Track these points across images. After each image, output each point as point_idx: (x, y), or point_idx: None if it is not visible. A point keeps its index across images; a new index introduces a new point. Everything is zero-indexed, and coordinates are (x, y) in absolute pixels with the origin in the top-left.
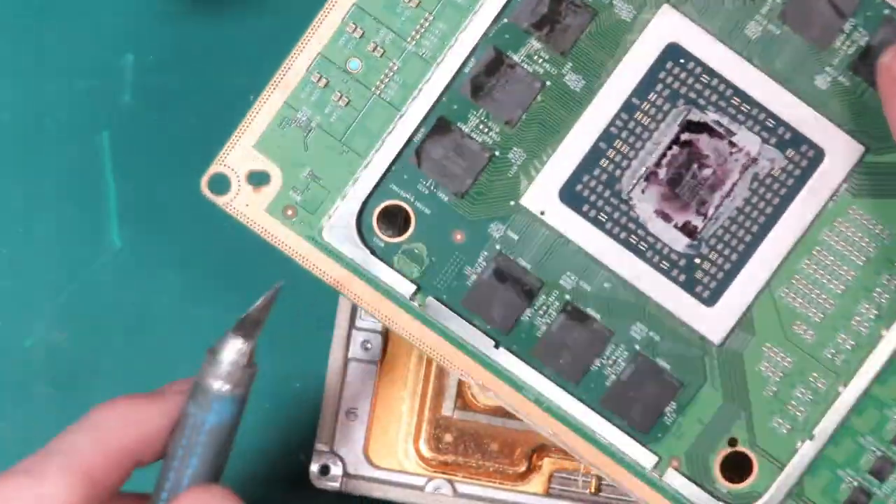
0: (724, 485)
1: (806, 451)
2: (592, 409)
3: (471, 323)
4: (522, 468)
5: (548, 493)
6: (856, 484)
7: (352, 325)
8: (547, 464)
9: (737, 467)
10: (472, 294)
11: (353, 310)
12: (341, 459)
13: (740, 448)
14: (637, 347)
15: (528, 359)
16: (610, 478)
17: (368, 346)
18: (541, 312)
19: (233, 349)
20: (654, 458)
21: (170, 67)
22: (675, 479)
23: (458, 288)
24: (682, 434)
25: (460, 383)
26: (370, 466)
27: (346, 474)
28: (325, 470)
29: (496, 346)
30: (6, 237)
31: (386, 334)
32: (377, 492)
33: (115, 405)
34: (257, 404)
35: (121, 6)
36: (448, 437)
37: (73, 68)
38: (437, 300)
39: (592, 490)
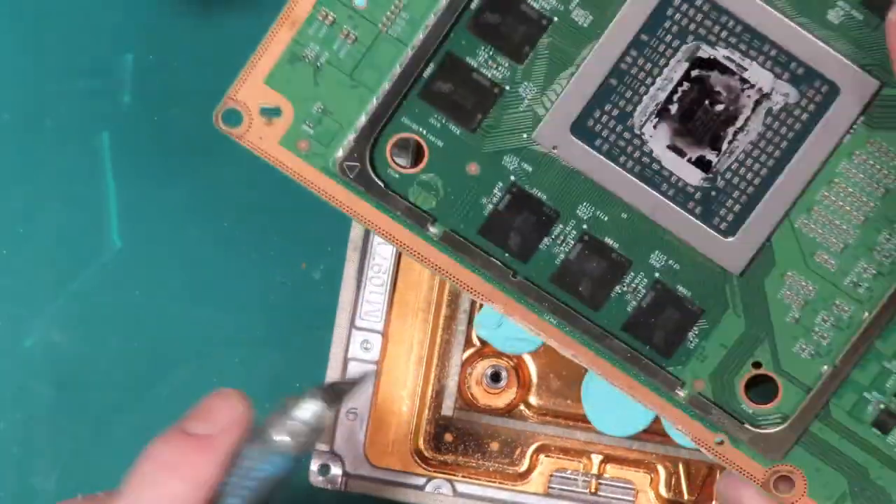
0: (749, 406)
1: (832, 375)
2: (614, 335)
3: (487, 253)
4: (522, 468)
5: (547, 493)
6: (882, 406)
7: (352, 324)
8: (546, 463)
9: (761, 392)
10: (489, 223)
11: (353, 309)
12: (341, 459)
13: (764, 371)
14: (656, 276)
15: (547, 286)
16: (633, 395)
17: (368, 345)
18: (558, 241)
19: (309, 410)
20: (678, 383)
21: (170, 67)
22: (698, 403)
23: (475, 218)
24: (705, 357)
25: (460, 383)
26: (370, 466)
27: (346, 474)
28: (325, 469)
29: (513, 276)
30: (6, 237)
31: (386, 334)
32: (377, 491)
33: (166, 458)
34: (257, 404)
35: (121, 6)
36: (448, 437)
37: (73, 68)
38: (454, 231)
39: (592, 490)
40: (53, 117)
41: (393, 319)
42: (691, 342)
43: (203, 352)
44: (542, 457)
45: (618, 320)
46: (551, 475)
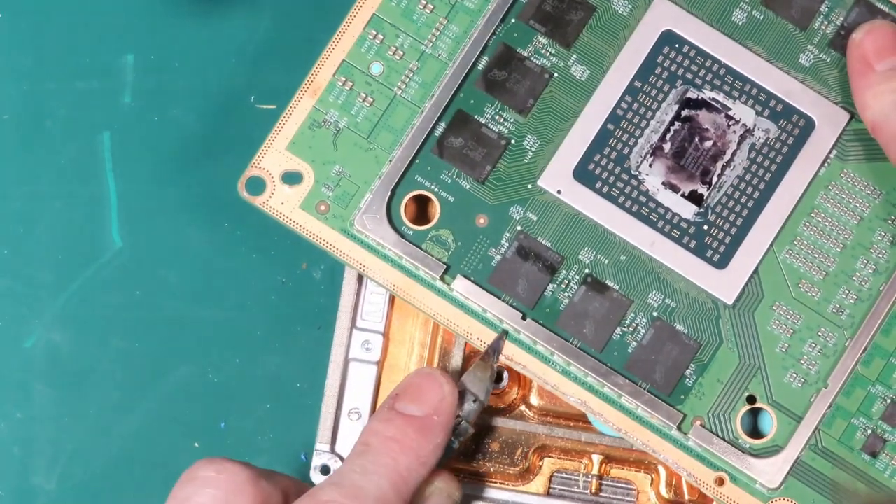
0: (746, 441)
1: (820, 402)
2: (618, 373)
3: (499, 298)
4: (523, 468)
5: (548, 494)
6: (870, 431)
7: (352, 325)
8: (547, 464)
9: (755, 421)
10: (498, 273)
11: (354, 310)
12: (341, 459)
13: (759, 405)
14: (655, 314)
15: (554, 330)
16: (637, 441)
17: (369, 346)
18: (563, 286)
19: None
20: (679, 417)
21: (170, 67)
22: (699, 438)
23: (484, 269)
24: (703, 394)
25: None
26: None
27: None
28: (325, 470)
29: (523, 318)
30: (6, 237)
31: (386, 334)
32: None
33: (391, 434)
34: (259, 405)
35: (121, 6)
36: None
37: (73, 68)
38: (465, 277)
39: (593, 490)
40: (53, 117)
41: (394, 320)
42: (689, 379)
43: (203, 352)
44: (543, 457)
45: (620, 360)
46: (552, 475)
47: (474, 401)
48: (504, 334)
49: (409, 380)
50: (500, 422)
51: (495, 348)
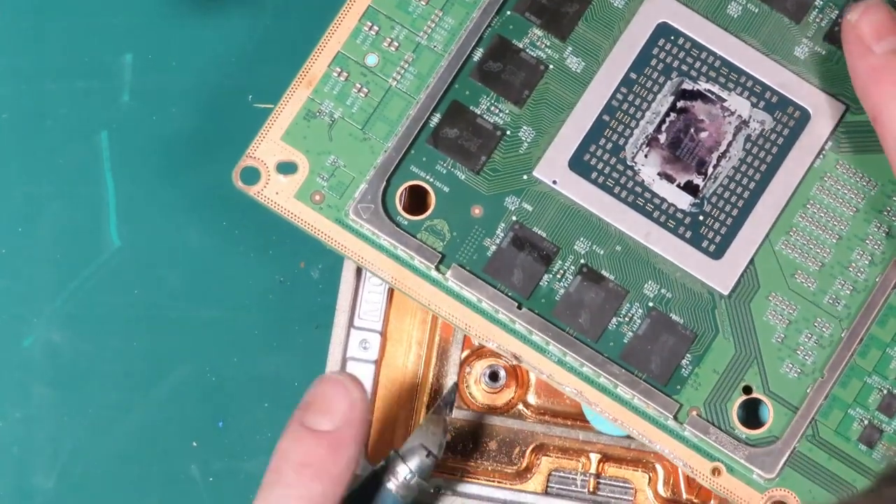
0: (742, 431)
1: (817, 393)
2: (614, 363)
3: (494, 287)
4: (520, 467)
5: (546, 492)
6: (866, 421)
7: (350, 324)
8: (545, 463)
9: (752, 413)
10: (493, 262)
11: (352, 309)
12: None
13: (755, 395)
14: (651, 304)
15: (550, 319)
16: (633, 431)
17: (367, 345)
18: (558, 276)
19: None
20: (675, 407)
21: (168, 67)
22: (695, 428)
23: (479, 259)
24: (699, 384)
25: (458, 383)
26: (370, 465)
27: None
28: None
29: (518, 308)
30: (6, 237)
31: (384, 333)
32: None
33: (300, 459)
34: (257, 404)
35: (121, 6)
36: (447, 437)
37: (73, 68)
38: (460, 267)
39: (590, 489)
40: (53, 117)
41: (391, 319)
42: (685, 369)
43: (202, 352)
44: (540, 456)
45: (616, 350)
46: (550, 474)
47: (427, 455)
48: (455, 388)
49: (315, 389)
50: (498, 421)
51: (447, 401)
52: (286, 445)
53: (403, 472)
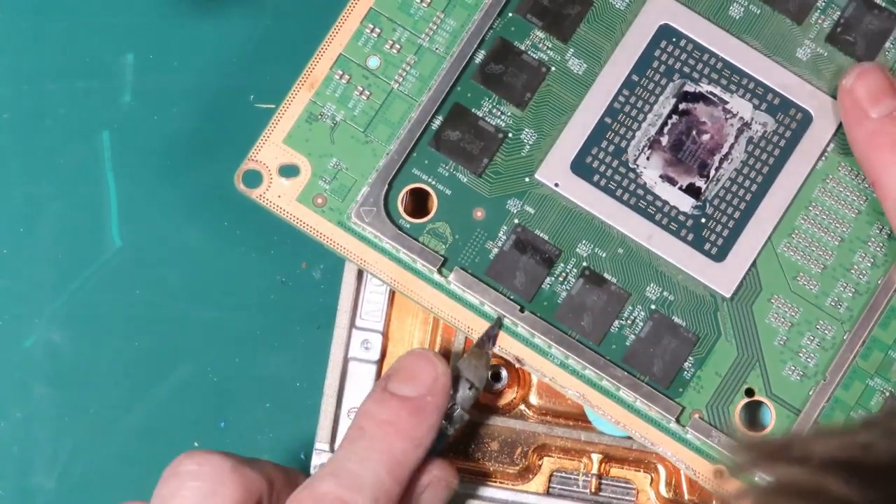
0: (744, 434)
1: (819, 395)
2: (616, 366)
3: (496, 290)
4: (522, 468)
5: (548, 493)
6: None
7: (352, 324)
8: (547, 463)
9: (753, 414)
10: (495, 265)
11: (354, 309)
12: None
13: (757, 397)
14: (653, 307)
15: (552, 322)
16: (635, 433)
17: (368, 345)
18: (560, 279)
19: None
20: (677, 410)
21: (170, 67)
22: (697, 431)
23: (482, 262)
24: (701, 387)
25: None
26: None
27: None
28: None
29: (521, 311)
30: (6, 237)
31: (386, 334)
32: None
33: (384, 417)
34: (259, 404)
35: (121, 6)
36: (489, 371)
37: (73, 68)
38: (463, 270)
39: (592, 490)
40: (53, 117)
41: (393, 319)
42: (688, 371)
43: (203, 352)
44: (542, 456)
45: (618, 353)
46: (551, 475)
47: (469, 388)
48: (499, 321)
49: (402, 360)
50: (500, 421)
51: (490, 335)
52: (369, 406)
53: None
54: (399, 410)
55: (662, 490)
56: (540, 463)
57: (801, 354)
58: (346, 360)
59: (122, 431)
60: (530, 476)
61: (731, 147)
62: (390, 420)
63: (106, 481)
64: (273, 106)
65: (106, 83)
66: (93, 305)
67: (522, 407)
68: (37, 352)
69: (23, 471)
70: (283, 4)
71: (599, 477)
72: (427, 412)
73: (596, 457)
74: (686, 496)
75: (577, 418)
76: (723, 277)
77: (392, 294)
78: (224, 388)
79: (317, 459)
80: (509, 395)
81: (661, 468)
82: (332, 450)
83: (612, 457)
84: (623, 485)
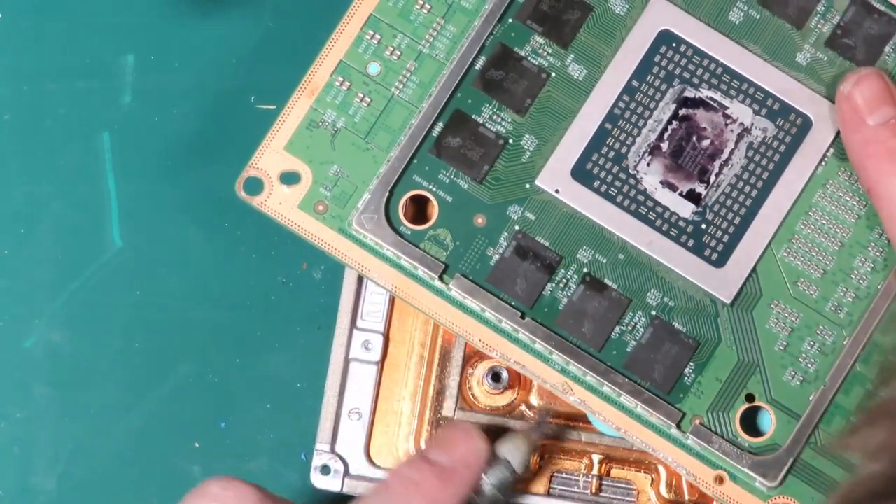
0: (745, 439)
1: (819, 400)
2: (617, 372)
3: (497, 297)
4: None
5: (548, 494)
6: None
7: (353, 325)
8: (548, 464)
9: (754, 420)
10: (496, 272)
11: (355, 310)
12: (342, 459)
13: (758, 403)
14: (653, 313)
15: (553, 329)
16: (636, 439)
17: (369, 346)
18: (561, 285)
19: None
20: (678, 416)
21: (170, 67)
22: (698, 437)
23: (483, 269)
24: (702, 393)
25: (461, 383)
26: (371, 466)
27: (347, 474)
28: (325, 470)
29: (522, 317)
30: (6, 237)
31: (387, 335)
32: None
33: (413, 478)
34: (259, 405)
35: (121, 6)
36: (533, 459)
37: (73, 68)
38: (464, 277)
39: (593, 490)
40: (53, 117)
41: (394, 320)
42: (688, 377)
43: (203, 352)
44: (543, 457)
45: (619, 359)
46: (552, 475)
47: (510, 472)
48: (546, 413)
49: (445, 431)
50: (501, 422)
51: (541, 423)
52: (402, 467)
53: (482, 481)
54: (427, 473)
55: (663, 491)
56: (540, 464)
57: (801, 360)
58: (346, 361)
59: (122, 431)
60: (531, 477)
61: (732, 152)
62: (417, 481)
63: (106, 481)
64: (273, 107)
65: (106, 83)
66: (93, 306)
67: (523, 408)
68: (37, 352)
69: (23, 471)
70: (283, 5)
71: (600, 478)
72: (454, 481)
73: (596, 458)
74: (686, 497)
75: (578, 419)
76: (723, 283)
77: (392, 295)
78: (224, 389)
79: (317, 460)
80: (509, 396)
81: (661, 469)
82: (332, 450)
83: (612, 458)
84: (624, 485)
